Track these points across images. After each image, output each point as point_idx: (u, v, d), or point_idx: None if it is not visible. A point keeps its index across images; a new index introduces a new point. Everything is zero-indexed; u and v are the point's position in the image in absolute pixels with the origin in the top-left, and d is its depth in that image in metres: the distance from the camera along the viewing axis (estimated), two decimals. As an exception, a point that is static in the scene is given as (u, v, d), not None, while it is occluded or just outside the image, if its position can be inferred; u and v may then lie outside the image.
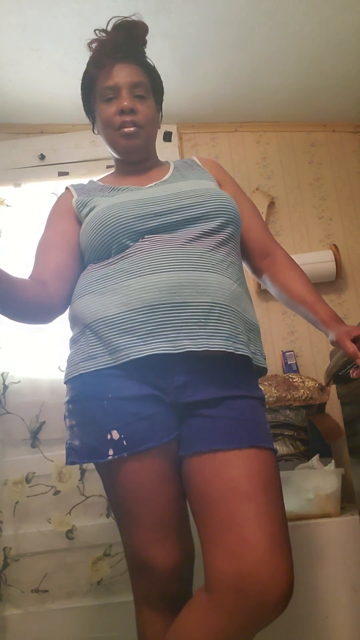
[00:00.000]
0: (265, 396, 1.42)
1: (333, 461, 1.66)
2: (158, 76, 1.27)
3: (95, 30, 1.18)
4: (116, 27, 1.17)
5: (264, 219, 2.25)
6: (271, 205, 2.33)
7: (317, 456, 1.67)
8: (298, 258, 2.11)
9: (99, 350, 1.00)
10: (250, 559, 0.83)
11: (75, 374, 1.01)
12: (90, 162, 2.28)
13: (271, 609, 0.83)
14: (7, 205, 2.24)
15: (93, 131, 1.31)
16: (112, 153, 1.26)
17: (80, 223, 1.18)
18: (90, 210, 1.14)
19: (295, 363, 2.08)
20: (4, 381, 2.03)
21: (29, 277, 1.12)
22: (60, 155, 2.29)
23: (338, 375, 1.29)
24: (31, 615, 1.83)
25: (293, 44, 1.98)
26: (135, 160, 1.24)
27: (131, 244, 1.05)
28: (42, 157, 2.28)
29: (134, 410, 0.96)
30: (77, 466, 1.94)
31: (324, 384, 1.69)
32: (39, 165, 2.28)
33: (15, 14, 1.80)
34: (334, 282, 2.22)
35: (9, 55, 1.97)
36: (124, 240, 1.05)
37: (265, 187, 2.37)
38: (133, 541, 1.00)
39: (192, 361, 0.98)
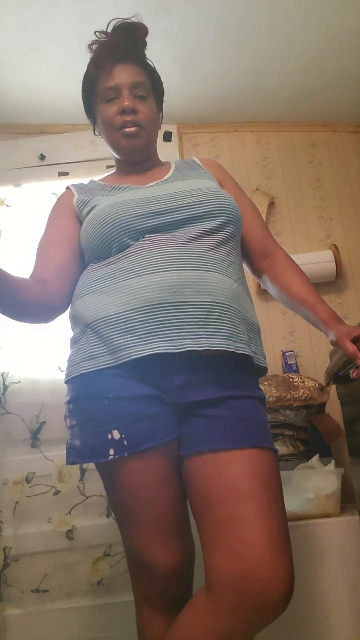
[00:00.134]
0: (265, 396, 1.42)
1: (333, 461, 1.66)
2: (158, 77, 1.27)
3: (95, 32, 1.19)
4: (116, 28, 1.18)
5: (264, 219, 2.25)
6: (271, 205, 2.33)
7: (317, 456, 1.67)
8: (298, 258, 2.11)
9: (100, 350, 1.00)
10: (251, 559, 0.84)
11: (76, 374, 1.01)
12: (90, 162, 2.28)
13: (271, 609, 0.83)
14: (7, 205, 2.24)
15: (94, 132, 1.31)
16: (113, 153, 1.26)
17: (81, 222, 1.18)
18: (91, 209, 1.15)
19: (295, 363, 2.08)
20: (4, 381, 2.03)
21: (30, 277, 1.12)
22: (60, 155, 2.29)
23: (338, 375, 1.29)
24: (31, 615, 1.83)
25: (293, 44, 1.98)
26: (137, 160, 1.24)
27: (132, 242, 1.05)
28: (42, 157, 2.28)
29: (134, 410, 0.97)
30: (77, 466, 1.94)
31: (324, 384, 1.69)
32: (39, 165, 2.28)
33: (15, 14, 1.80)
34: (334, 282, 2.23)
35: (9, 55, 1.97)
36: (124, 239, 1.05)
37: (265, 187, 2.37)
38: (133, 541, 1.00)
39: (192, 361, 0.98)
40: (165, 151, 2.21)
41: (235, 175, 2.26)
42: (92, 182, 1.29)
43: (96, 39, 1.19)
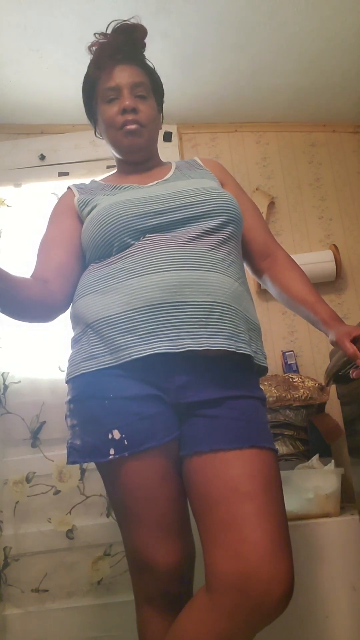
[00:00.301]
0: (266, 396, 1.42)
1: (333, 461, 1.66)
2: (158, 78, 1.28)
3: (95, 34, 1.19)
4: (116, 30, 1.19)
5: (264, 219, 2.26)
6: (271, 205, 2.33)
7: (317, 456, 1.67)
8: (298, 258, 2.11)
9: (101, 349, 1.00)
10: (251, 558, 0.84)
11: (77, 374, 1.02)
12: (91, 162, 2.28)
13: (272, 609, 0.84)
14: (7, 206, 2.24)
15: (95, 134, 1.32)
16: (115, 153, 1.27)
17: (82, 222, 1.18)
18: (92, 208, 1.15)
19: (295, 363, 2.08)
20: (4, 381, 2.03)
21: (31, 276, 1.12)
22: (61, 156, 2.29)
23: (338, 375, 1.29)
24: (31, 615, 1.83)
25: (293, 44, 1.98)
26: (138, 160, 1.24)
27: (132, 242, 1.06)
28: (42, 157, 2.29)
29: (135, 410, 0.97)
30: (78, 466, 1.94)
31: (324, 384, 1.69)
32: (39, 166, 2.28)
33: (15, 14, 1.80)
34: (334, 282, 2.23)
35: (9, 55, 1.97)
36: (125, 239, 1.06)
37: (265, 187, 2.37)
38: (134, 541, 1.00)
39: (193, 361, 0.98)
40: (166, 151, 2.21)
41: (236, 175, 2.25)
42: (93, 182, 1.29)
43: (96, 40, 1.20)
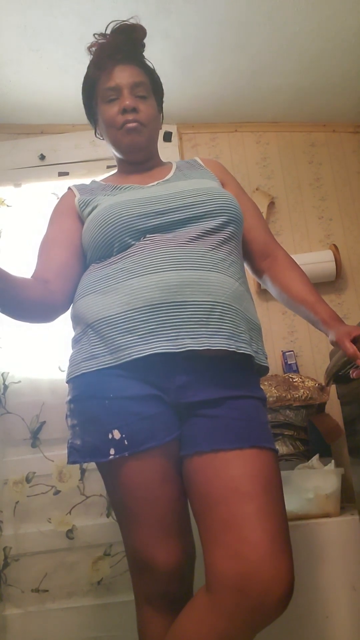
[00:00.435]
0: (266, 396, 1.42)
1: (333, 461, 1.66)
2: (158, 78, 1.28)
3: (94, 34, 1.19)
4: (115, 30, 1.19)
5: (264, 219, 2.25)
6: (271, 205, 2.33)
7: (317, 456, 1.67)
8: (298, 258, 2.11)
9: (101, 349, 1.00)
10: (252, 558, 0.84)
11: (77, 374, 1.02)
12: (91, 162, 2.28)
13: (272, 609, 0.84)
14: (7, 206, 2.24)
15: (95, 134, 1.32)
16: (115, 153, 1.27)
17: (82, 222, 1.18)
18: (93, 209, 1.15)
19: (295, 363, 2.08)
20: (4, 381, 2.03)
21: (31, 276, 1.12)
22: (61, 156, 2.29)
23: (338, 375, 1.29)
24: (31, 615, 1.83)
25: (293, 44, 1.98)
26: (138, 160, 1.24)
27: (133, 242, 1.06)
28: (42, 157, 2.28)
29: (135, 410, 0.97)
30: (78, 466, 1.94)
31: (324, 384, 1.69)
32: (39, 166, 2.28)
33: (16, 14, 1.80)
34: (334, 282, 2.23)
35: (9, 55, 1.97)
36: (126, 239, 1.06)
37: (265, 187, 2.37)
38: (134, 541, 1.00)
39: (193, 361, 0.98)
40: (166, 151, 2.21)
41: (236, 176, 2.24)
42: (93, 182, 1.29)
43: (95, 40, 1.20)
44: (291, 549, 0.89)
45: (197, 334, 0.96)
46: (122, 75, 1.18)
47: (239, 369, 1.03)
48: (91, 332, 1.03)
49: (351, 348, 0.97)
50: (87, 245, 1.14)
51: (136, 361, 0.96)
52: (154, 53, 1.27)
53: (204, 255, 1.03)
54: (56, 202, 1.28)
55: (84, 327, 1.05)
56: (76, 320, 1.09)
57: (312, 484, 1.58)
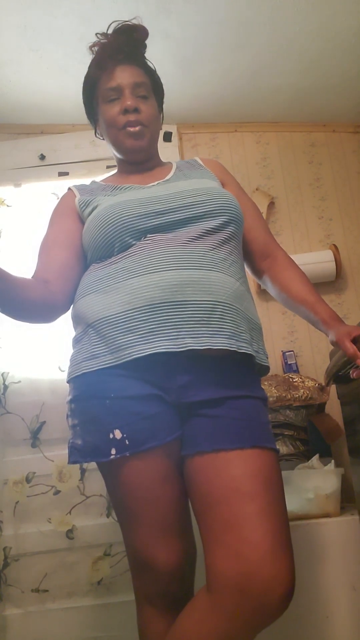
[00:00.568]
0: (267, 396, 1.42)
1: (333, 461, 1.66)
2: (159, 79, 1.28)
3: (96, 34, 1.19)
4: (117, 30, 1.19)
5: (264, 219, 2.25)
6: (271, 205, 2.33)
7: (317, 456, 1.67)
8: (298, 258, 2.10)
9: (102, 349, 1.00)
10: (252, 558, 0.84)
11: (78, 373, 1.02)
12: (90, 162, 2.28)
13: (273, 609, 0.84)
14: (7, 206, 2.24)
15: (95, 134, 1.32)
16: (115, 153, 1.27)
17: (83, 222, 1.18)
18: (93, 209, 1.15)
19: (295, 363, 2.09)
20: (4, 381, 2.03)
21: (32, 277, 1.12)
22: (60, 156, 2.29)
23: (338, 375, 1.29)
24: (31, 615, 1.83)
25: (293, 44, 1.98)
26: (139, 160, 1.24)
27: (134, 242, 1.06)
28: (42, 157, 2.28)
29: (136, 409, 0.97)
30: (77, 466, 1.94)
31: (324, 384, 1.69)
32: (39, 166, 2.28)
33: (15, 14, 1.80)
34: (334, 282, 2.23)
35: (9, 55, 1.97)
36: (126, 239, 1.06)
37: (265, 187, 2.37)
38: (134, 541, 1.00)
39: (194, 360, 0.98)
40: (166, 151, 2.21)
41: (236, 176, 2.24)
42: (93, 182, 1.29)
43: (97, 40, 1.20)
44: (292, 549, 0.89)
45: (198, 333, 0.96)
46: (124, 76, 1.18)
47: (240, 369, 1.03)
48: (92, 332, 1.03)
49: (351, 348, 0.97)
50: (87, 246, 1.14)
51: (137, 361, 0.96)
52: (154, 53, 1.27)
53: (205, 255, 1.03)
54: (56, 202, 1.28)
55: (85, 326, 1.05)
56: (77, 320, 1.09)
57: (312, 484, 1.58)
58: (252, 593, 0.82)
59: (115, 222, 1.06)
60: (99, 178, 1.34)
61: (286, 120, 2.44)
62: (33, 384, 2.03)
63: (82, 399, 1.01)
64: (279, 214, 2.35)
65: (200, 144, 2.43)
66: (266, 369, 1.10)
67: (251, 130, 2.45)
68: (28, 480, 1.93)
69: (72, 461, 1.01)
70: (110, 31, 1.20)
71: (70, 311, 1.14)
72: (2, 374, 2.04)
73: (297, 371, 2.06)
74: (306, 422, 1.80)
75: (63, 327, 1.27)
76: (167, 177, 1.22)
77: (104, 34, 1.20)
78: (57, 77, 2.07)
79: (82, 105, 1.29)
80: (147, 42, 1.23)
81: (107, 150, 1.29)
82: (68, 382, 1.06)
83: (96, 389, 0.99)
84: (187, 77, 2.12)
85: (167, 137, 2.33)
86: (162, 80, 1.29)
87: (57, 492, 1.92)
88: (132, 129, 1.17)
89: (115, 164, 1.33)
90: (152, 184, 1.19)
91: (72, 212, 1.20)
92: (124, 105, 1.17)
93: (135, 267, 1.02)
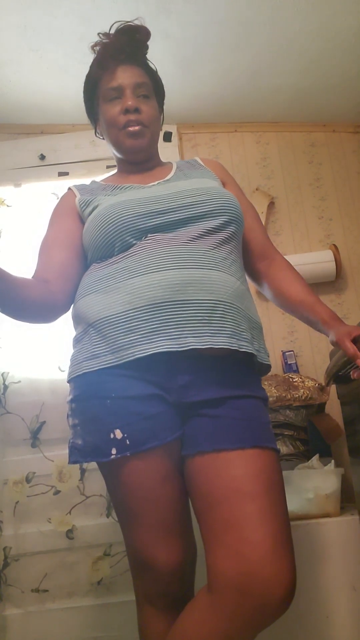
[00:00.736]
0: (267, 396, 1.42)
1: (333, 461, 1.66)
2: (160, 80, 1.28)
3: (98, 34, 1.19)
4: (119, 31, 1.19)
5: (264, 219, 2.26)
6: (271, 205, 2.33)
7: (317, 456, 1.67)
8: (298, 258, 2.12)
9: (103, 349, 1.00)
10: (253, 558, 0.84)
11: (79, 373, 1.01)
12: (90, 162, 2.28)
13: (274, 609, 0.84)
14: (7, 206, 2.24)
15: (95, 134, 1.32)
16: (115, 153, 1.27)
17: (83, 222, 1.18)
18: (94, 209, 1.15)
19: (295, 363, 2.09)
20: (4, 381, 2.03)
21: (32, 277, 1.12)
22: (60, 156, 2.29)
23: (338, 375, 1.29)
24: (31, 615, 1.83)
25: (293, 44, 1.98)
26: (139, 160, 1.24)
27: (134, 242, 1.06)
28: (42, 157, 2.28)
29: (137, 409, 0.97)
30: (77, 466, 1.94)
31: (324, 384, 1.69)
32: (39, 166, 2.28)
33: (15, 14, 1.79)
34: (334, 282, 2.23)
35: (9, 55, 1.97)
36: (127, 238, 1.06)
37: (265, 187, 2.37)
38: (135, 541, 1.00)
39: (195, 360, 0.98)
40: (165, 151, 2.20)
41: (235, 176, 2.25)
42: (93, 182, 1.29)
43: (99, 40, 1.20)
44: (293, 549, 0.89)
45: (199, 332, 0.96)
46: (125, 76, 1.18)
47: (241, 369, 1.03)
48: (93, 332, 1.02)
49: (351, 348, 0.97)
50: (87, 245, 1.14)
51: (138, 361, 0.96)
52: (154, 53, 1.27)
53: (205, 254, 1.03)
54: (56, 202, 1.28)
55: (85, 326, 1.05)
56: (77, 319, 1.09)
57: (312, 484, 1.58)
58: (253, 593, 0.82)
59: (116, 221, 1.06)
60: (99, 178, 1.34)
61: (286, 120, 2.44)
62: (33, 384, 2.03)
63: (82, 398, 1.01)
64: (279, 214, 2.35)
65: (200, 144, 2.43)
66: (267, 367, 1.10)
67: (251, 130, 2.45)
68: (28, 480, 1.93)
69: (72, 461, 1.01)
70: (112, 31, 1.20)
71: (70, 311, 1.14)
72: (2, 374, 2.04)
73: (297, 371, 2.06)
74: (306, 422, 1.80)
75: (63, 327, 1.27)
76: (168, 177, 1.22)
77: (106, 34, 1.20)
78: (57, 77, 2.07)
79: (82, 105, 1.29)
80: (148, 44, 1.23)
81: (107, 150, 1.29)
82: (68, 381, 1.06)
83: (97, 388, 0.99)
84: (187, 77, 2.12)
85: (167, 137, 2.33)
86: (162, 80, 1.29)
87: (57, 492, 1.92)
88: (132, 129, 1.17)
89: (115, 164, 1.33)
90: (153, 183, 1.19)
91: (72, 211, 1.20)
92: (124, 105, 1.17)
93: (136, 267, 1.02)
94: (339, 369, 1.24)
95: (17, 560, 1.88)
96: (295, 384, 1.85)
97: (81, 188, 1.25)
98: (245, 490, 0.89)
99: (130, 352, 0.96)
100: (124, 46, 1.19)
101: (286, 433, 1.80)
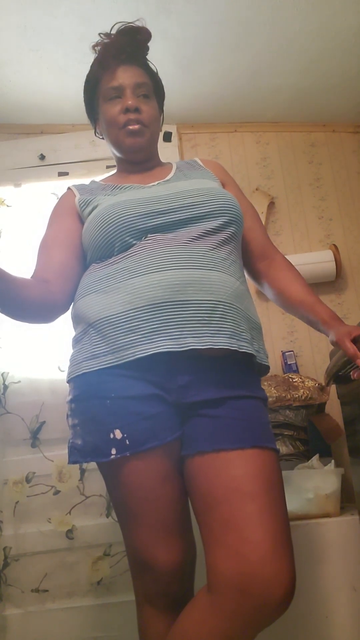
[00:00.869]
0: (267, 396, 1.42)
1: (333, 461, 1.66)
2: (160, 80, 1.29)
3: (99, 34, 1.20)
4: (120, 31, 1.20)
5: (264, 219, 2.26)
6: (271, 205, 2.34)
7: (317, 456, 1.67)
8: (298, 258, 2.12)
9: (102, 349, 1.00)
10: (253, 558, 0.84)
11: (79, 373, 1.01)
12: (90, 162, 2.28)
13: (273, 609, 0.84)
14: (7, 206, 2.24)
15: (95, 133, 1.32)
16: (115, 153, 1.27)
17: (82, 222, 1.18)
18: (93, 208, 1.15)
19: (295, 363, 2.09)
20: (4, 381, 2.03)
21: (31, 277, 1.12)
22: (60, 156, 2.29)
23: (338, 375, 1.29)
24: (31, 615, 1.83)
25: (293, 44, 1.98)
26: (139, 160, 1.24)
27: (134, 242, 1.06)
28: (42, 157, 2.28)
29: (137, 409, 0.97)
30: (77, 466, 1.94)
31: (323, 384, 1.69)
32: (39, 166, 2.28)
33: (15, 14, 1.79)
34: (334, 282, 2.23)
35: (9, 55, 1.97)
36: (127, 238, 1.06)
37: (265, 187, 2.37)
38: (134, 541, 1.00)
39: (195, 360, 0.98)
40: (165, 151, 2.21)
41: (235, 176, 2.26)
42: (93, 182, 1.29)
43: (100, 40, 1.20)
44: (292, 549, 0.89)
45: (199, 333, 0.96)
46: (125, 75, 1.19)
47: (240, 369, 1.03)
48: (92, 332, 1.02)
49: (351, 348, 0.97)
50: (87, 245, 1.14)
51: (138, 361, 0.96)
52: (154, 53, 1.27)
53: (205, 254, 1.03)
54: (56, 202, 1.28)
55: (85, 326, 1.05)
56: (77, 319, 1.09)
57: (312, 484, 1.58)
58: (253, 593, 0.82)
59: (116, 221, 1.06)
60: (98, 178, 1.34)
61: (286, 120, 2.44)
62: (33, 384, 2.03)
63: (82, 398, 1.01)
64: (278, 214, 2.35)
65: (200, 144, 2.43)
66: (266, 368, 1.10)
67: (251, 130, 2.45)
68: (28, 480, 1.93)
69: (72, 461, 1.01)
70: (114, 32, 1.20)
71: (70, 311, 1.14)
72: (2, 374, 2.04)
73: (297, 371, 2.06)
74: (306, 422, 1.80)
75: (63, 327, 1.26)
76: (168, 177, 1.22)
77: (107, 34, 1.20)
78: (57, 77, 2.07)
79: (82, 105, 1.29)
80: (149, 45, 1.23)
81: (107, 150, 1.29)
82: (68, 381, 1.06)
83: (97, 388, 0.99)
84: (187, 77, 2.13)
85: (167, 137, 2.33)
86: (162, 81, 1.30)
87: (57, 492, 1.93)
88: (132, 127, 1.17)
89: (115, 164, 1.33)
90: (153, 183, 1.19)
91: (72, 211, 1.20)
92: (125, 105, 1.17)
93: (136, 267, 1.02)
94: (339, 369, 1.24)
95: (17, 560, 1.88)
96: (295, 384, 1.85)
97: (81, 188, 1.25)
98: (245, 490, 0.89)
99: (130, 352, 0.96)
100: (125, 46, 1.19)
101: (286, 433, 1.80)
